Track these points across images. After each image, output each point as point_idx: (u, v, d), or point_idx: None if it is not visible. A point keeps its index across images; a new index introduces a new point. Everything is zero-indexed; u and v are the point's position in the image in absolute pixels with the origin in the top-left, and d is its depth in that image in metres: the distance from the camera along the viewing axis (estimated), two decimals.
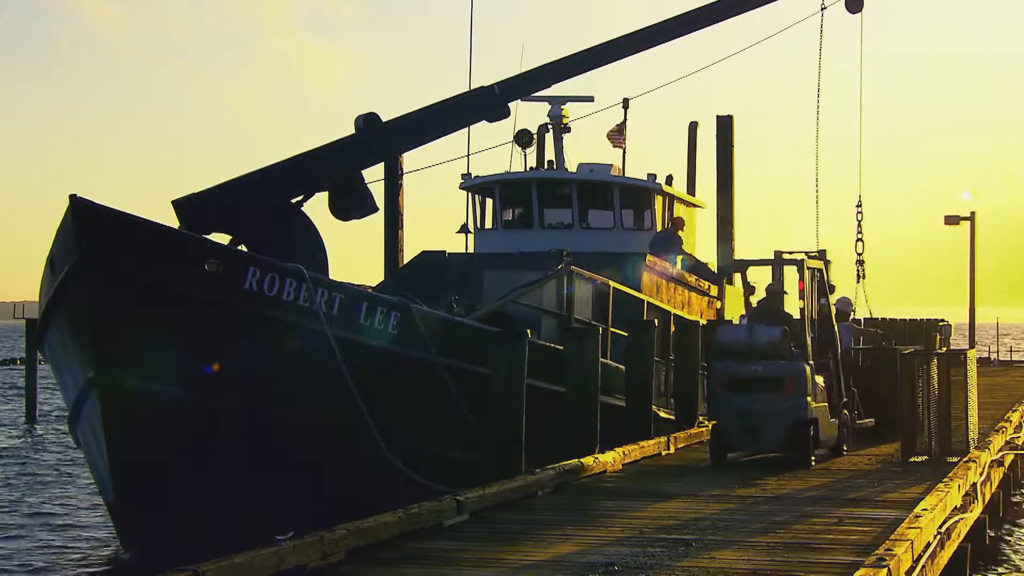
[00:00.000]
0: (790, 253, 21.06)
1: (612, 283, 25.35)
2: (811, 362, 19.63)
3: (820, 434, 19.65)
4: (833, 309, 21.60)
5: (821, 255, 21.14)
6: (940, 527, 14.10)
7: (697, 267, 34.50)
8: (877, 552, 11.67)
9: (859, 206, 28.35)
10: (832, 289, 19.75)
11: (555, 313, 23.70)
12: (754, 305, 20.85)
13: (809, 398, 19.36)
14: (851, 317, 26.38)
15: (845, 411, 20.98)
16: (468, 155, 28.43)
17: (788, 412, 19.29)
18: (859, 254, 28.24)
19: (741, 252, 39.18)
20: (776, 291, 20.66)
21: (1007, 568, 19.10)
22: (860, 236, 28.13)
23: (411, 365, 19.07)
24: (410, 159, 23.11)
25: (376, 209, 21.74)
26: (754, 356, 19.50)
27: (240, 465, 17.36)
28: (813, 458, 19.43)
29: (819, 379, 19.93)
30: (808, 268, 20.21)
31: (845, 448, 20.82)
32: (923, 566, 12.49)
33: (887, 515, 14.77)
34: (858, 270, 28.07)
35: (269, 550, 11.32)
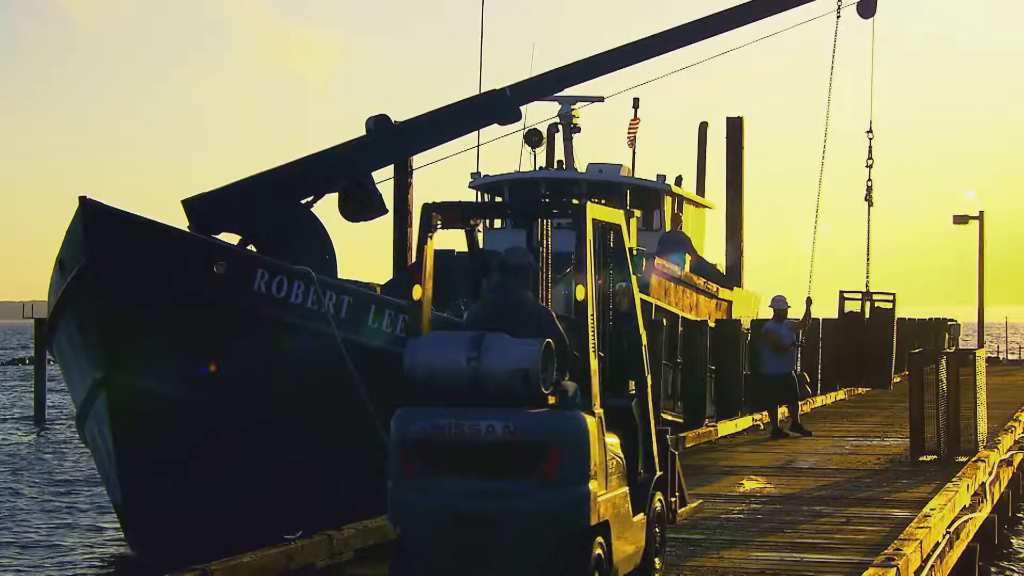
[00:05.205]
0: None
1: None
2: (598, 411, 9.95)
3: (614, 550, 10.04)
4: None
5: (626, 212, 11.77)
6: (949, 527, 14.09)
7: (703, 268, 34.54)
8: (886, 552, 11.67)
9: (869, 131, 28.34)
10: (640, 264, 11.46)
11: (562, 317, 23.62)
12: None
13: (594, 483, 9.66)
14: (788, 316, 24.50)
15: (659, 496, 11.28)
16: (478, 145, 28.50)
17: (551, 514, 9.60)
18: (868, 180, 28.17)
19: (749, 254, 39.26)
20: (521, 265, 10.57)
21: (1016, 568, 19.07)
22: (871, 162, 28.00)
23: None
24: (419, 153, 23.11)
25: (385, 211, 21.76)
26: (485, 398, 9.76)
27: (248, 466, 17.39)
28: None
29: (612, 441, 10.27)
30: (596, 223, 10.64)
31: (658, 569, 11.25)
32: (932, 566, 12.49)
33: (896, 515, 14.79)
34: (867, 197, 27.93)
35: (278, 549, 11.35)
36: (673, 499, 11.70)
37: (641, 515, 10.75)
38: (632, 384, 11.24)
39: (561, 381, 9.88)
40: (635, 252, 10.55)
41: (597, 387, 10.02)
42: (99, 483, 23.82)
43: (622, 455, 10.47)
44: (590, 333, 10.03)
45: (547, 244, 11.07)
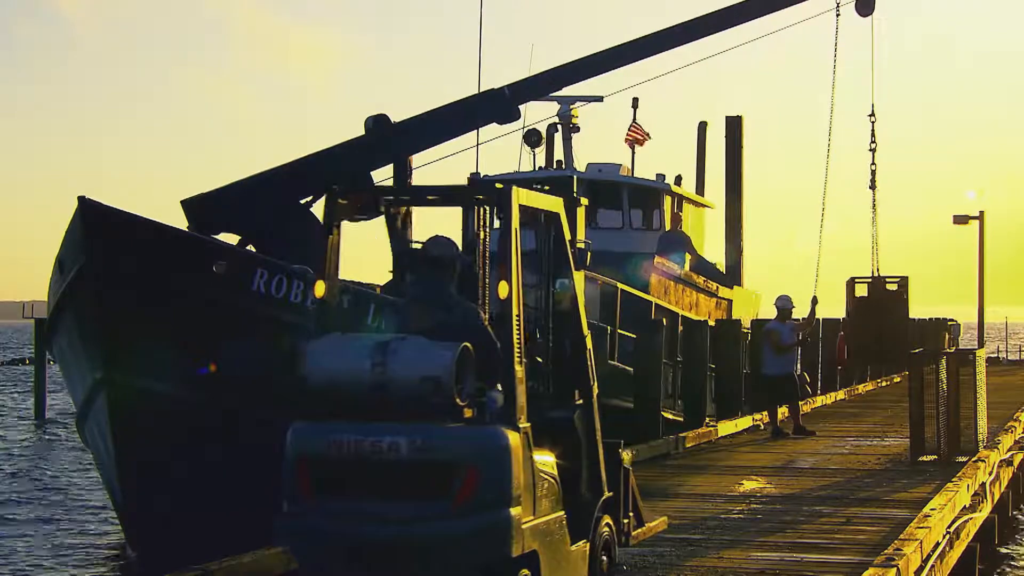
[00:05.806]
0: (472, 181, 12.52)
1: (620, 284, 25.33)
2: (524, 425, 8.75)
3: None
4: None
5: (560, 190, 10.46)
6: (949, 527, 14.08)
7: (703, 267, 34.56)
8: (886, 552, 11.65)
9: (871, 115, 28.59)
10: (585, 258, 10.34)
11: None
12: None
13: (517, 509, 8.51)
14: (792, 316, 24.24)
15: (608, 520, 10.11)
16: (477, 145, 28.54)
17: (465, 544, 8.45)
18: (872, 163, 28.40)
19: (748, 253, 39.28)
20: (443, 257, 9.42)
21: (1016, 568, 19.07)
22: (873, 145, 28.23)
23: None
24: (418, 153, 23.14)
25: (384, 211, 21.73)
26: (392, 410, 8.64)
27: (247, 465, 17.37)
28: None
29: (543, 460, 9.08)
30: (528, 210, 9.64)
31: None
32: (932, 566, 12.48)
33: (896, 515, 14.78)
34: (871, 180, 28.15)
35: (278, 550, 11.33)
36: (626, 520, 10.44)
37: (583, 542, 9.52)
38: (577, 394, 10.02)
39: (487, 391, 8.61)
40: (580, 245, 10.02)
41: (523, 397, 8.73)
42: (99, 483, 23.83)
43: (556, 475, 9.15)
44: (514, 335, 8.74)
45: (484, 235, 9.91)
